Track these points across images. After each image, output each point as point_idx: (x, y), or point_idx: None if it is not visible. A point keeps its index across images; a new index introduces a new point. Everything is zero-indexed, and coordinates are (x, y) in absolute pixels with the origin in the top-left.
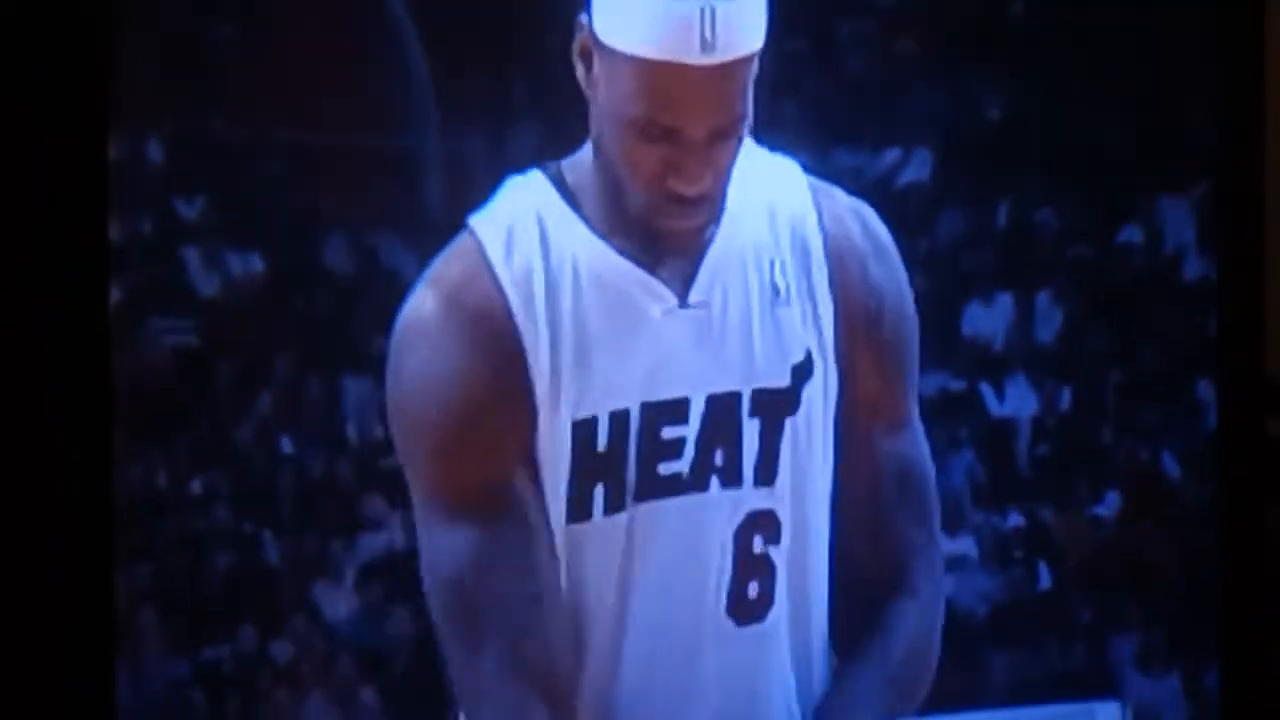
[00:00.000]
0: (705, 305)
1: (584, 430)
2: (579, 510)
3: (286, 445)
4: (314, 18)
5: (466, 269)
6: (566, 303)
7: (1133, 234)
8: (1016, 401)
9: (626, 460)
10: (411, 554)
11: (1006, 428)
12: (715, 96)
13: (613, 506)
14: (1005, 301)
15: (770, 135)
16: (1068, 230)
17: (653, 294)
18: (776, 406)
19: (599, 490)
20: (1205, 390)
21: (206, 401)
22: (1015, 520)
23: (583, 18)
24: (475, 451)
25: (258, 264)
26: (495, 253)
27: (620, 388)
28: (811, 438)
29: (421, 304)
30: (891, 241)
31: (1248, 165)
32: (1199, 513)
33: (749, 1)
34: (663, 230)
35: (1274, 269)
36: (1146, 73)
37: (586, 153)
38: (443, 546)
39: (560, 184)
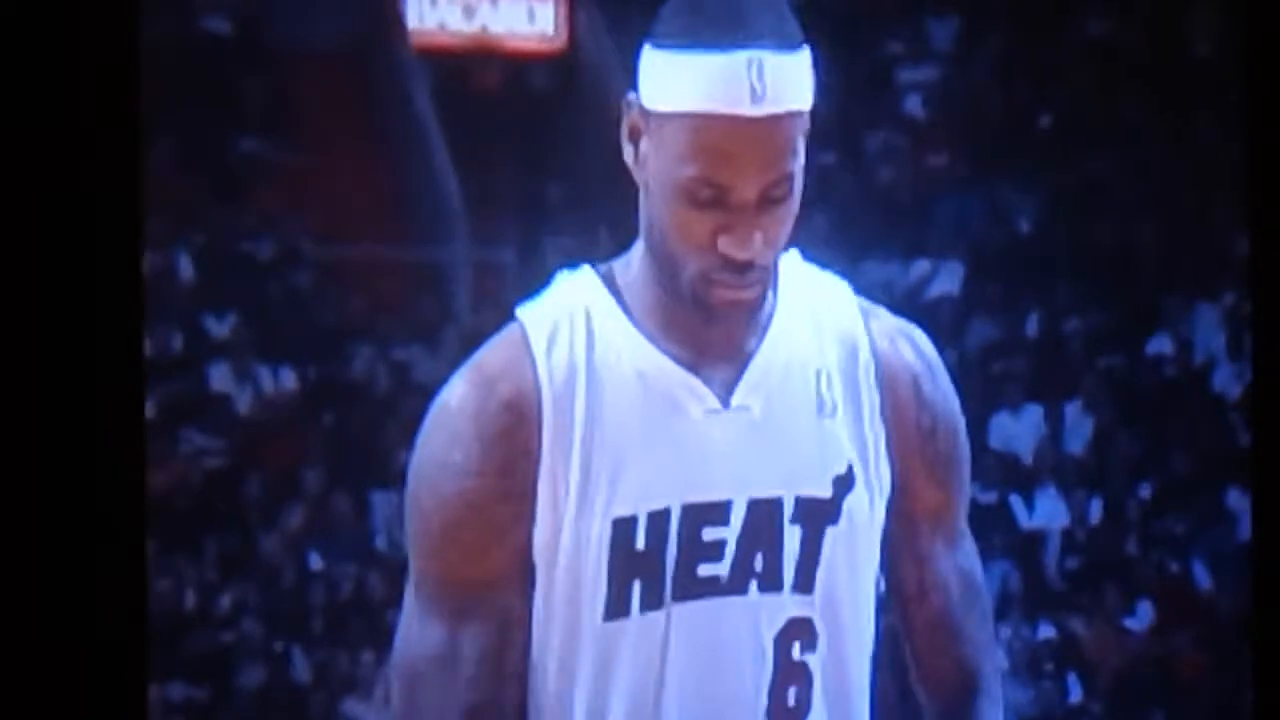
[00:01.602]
0: (747, 409)
1: (623, 528)
2: (616, 607)
3: (315, 560)
4: (343, 132)
5: (508, 359)
6: (608, 399)
7: (1163, 343)
8: (1046, 513)
9: (665, 560)
10: None
11: (1036, 539)
12: (765, 152)
13: (649, 605)
14: (1035, 412)
15: (801, 247)
16: (1097, 339)
17: (695, 395)
18: (818, 515)
19: (636, 588)
20: (1235, 499)
21: (236, 516)
22: (1046, 632)
23: (630, 96)
24: (463, 550)
25: (289, 379)
26: (539, 345)
27: (660, 487)
28: (853, 549)
29: (455, 386)
30: (940, 360)
31: None
32: (1230, 623)
33: (796, 57)
34: (714, 303)
35: None
36: (1174, 183)
37: (635, 252)
38: (413, 633)
39: (610, 282)
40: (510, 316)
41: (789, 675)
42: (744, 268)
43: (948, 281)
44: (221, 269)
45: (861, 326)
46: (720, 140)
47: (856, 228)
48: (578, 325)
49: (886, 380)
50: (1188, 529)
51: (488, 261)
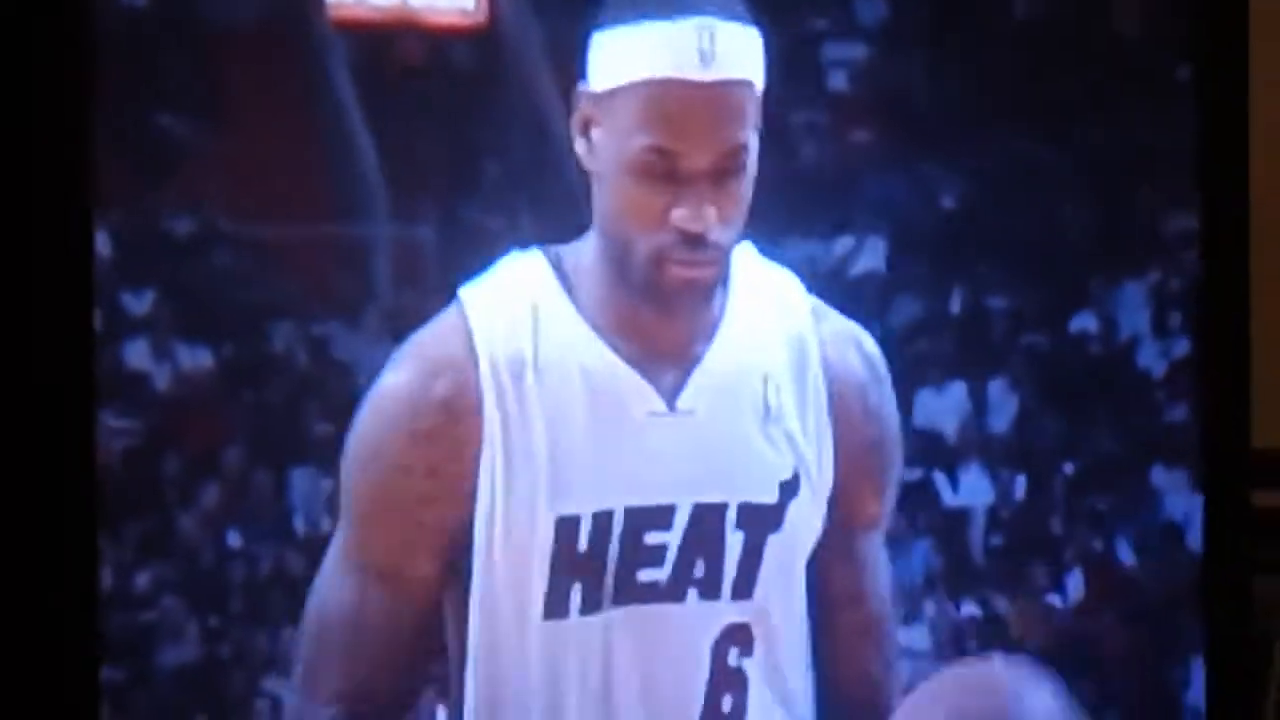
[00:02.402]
0: (692, 413)
1: (567, 527)
2: (556, 607)
3: (234, 538)
4: (262, 108)
5: (449, 349)
6: (552, 395)
7: (1087, 321)
8: (970, 491)
9: (606, 562)
10: None
11: (960, 517)
12: (716, 116)
13: (589, 607)
14: (959, 390)
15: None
16: (1021, 317)
17: (640, 395)
18: (761, 522)
19: (576, 589)
20: (1159, 477)
21: (154, 494)
22: (970, 610)
23: (580, 87)
24: (385, 534)
25: (206, 357)
26: (481, 335)
27: (604, 488)
28: (792, 554)
29: (395, 372)
30: (885, 366)
31: (1231, 238)
32: (1154, 600)
33: (746, 30)
34: (668, 285)
35: (1258, 344)
36: (1100, 161)
37: (587, 243)
38: (328, 582)
39: (559, 269)
40: (448, 297)
41: (725, 682)
42: (697, 242)
43: (871, 258)
44: (140, 246)
45: (812, 330)
46: (670, 105)
47: (779, 204)
48: (523, 315)
49: (835, 389)
50: (1112, 507)
51: (409, 238)
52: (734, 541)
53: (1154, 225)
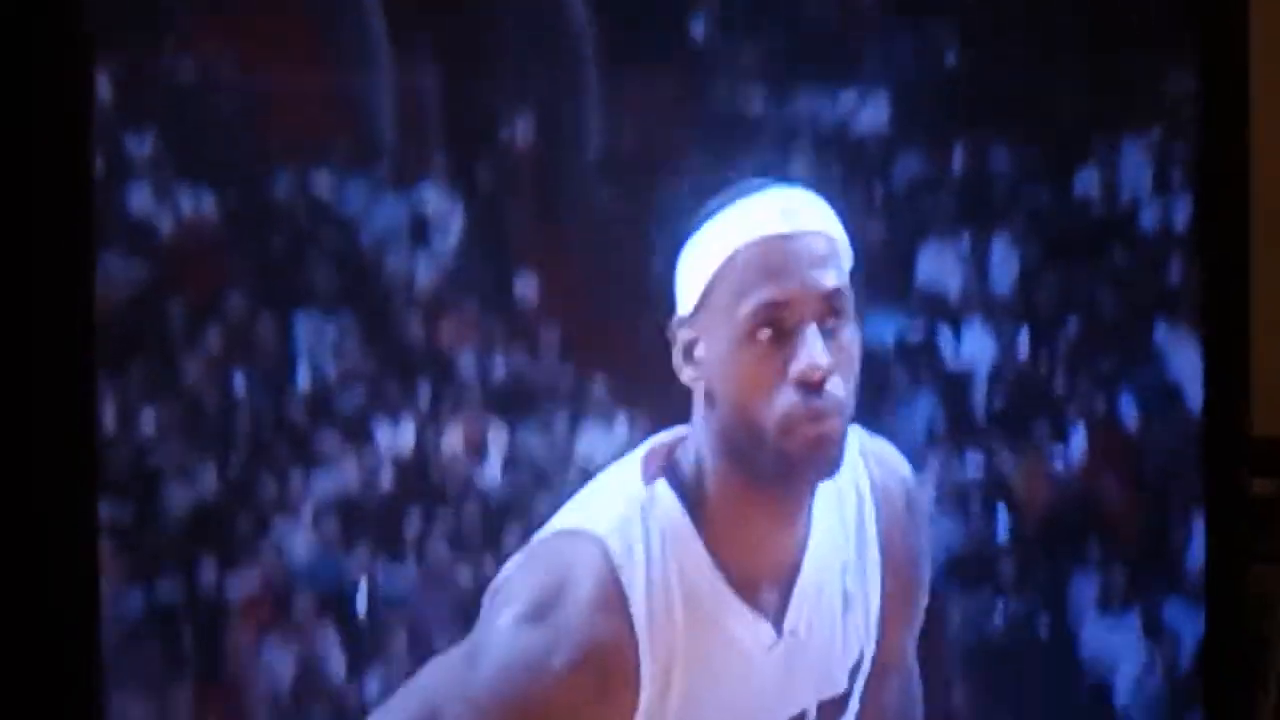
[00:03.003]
0: (795, 634)
1: None
2: None
3: (239, 383)
4: None
5: (597, 589)
6: (682, 635)
7: (1090, 179)
8: (973, 349)
9: None
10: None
11: (963, 376)
12: (813, 261)
13: None
14: (961, 248)
15: (729, 79)
16: (1024, 174)
17: (754, 632)
18: (834, 712)
19: None
20: (1163, 335)
21: (158, 338)
22: (974, 468)
23: (673, 319)
24: None
25: (209, 204)
26: (628, 570)
27: None
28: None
29: (538, 604)
30: (919, 491)
31: (1231, 103)
32: (1156, 460)
33: (819, 202)
34: (799, 451)
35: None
36: (1102, 17)
37: (702, 457)
38: None
39: (682, 492)
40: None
41: None
42: (818, 395)
43: (874, 115)
44: (141, 89)
45: (867, 483)
46: (769, 258)
47: (783, 59)
48: (654, 544)
49: (886, 540)
50: (1115, 366)
51: (411, 89)
52: None
53: (1158, 82)
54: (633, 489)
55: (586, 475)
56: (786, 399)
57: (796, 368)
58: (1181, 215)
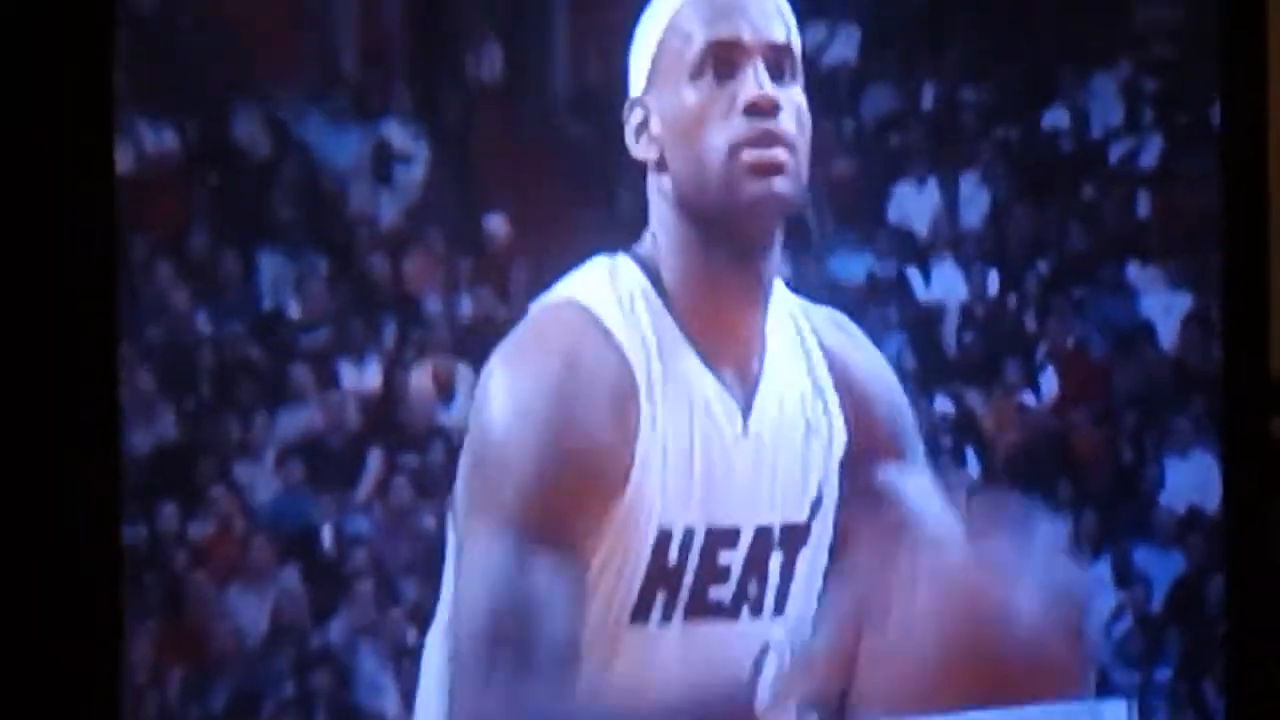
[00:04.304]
0: (760, 438)
1: (662, 539)
2: (639, 613)
3: (202, 320)
4: None
5: (598, 342)
6: (671, 405)
7: (1059, 115)
8: (943, 286)
9: (684, 577)
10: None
11: (934, 313)
12: (762, 11)
13: (665, 618)
14: (931, 184)
15: None
16: (993, 111)
17: (730, 417)
18: (795, 541)
19: (659, 600)
20: (1134, 273)
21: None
22: (944, 406)
23: (625, 106)
24: (569, 498)
25: (170, 138)
26: (614, 321)
27: (693, 505)
28: (815, 566)
29: (545, 359)
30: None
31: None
32: (1128, 398)
33: None
34: (746, 193)
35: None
36: None
37: (658, 241)
38: (500, 570)
39: (646, 268)
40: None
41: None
42: (768, 117)
43: (845, 48)
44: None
45: (809, 329)
46: (709, 3)
47: None
48: (640, 310)
49: (838, 376)
50: (1086, 303)
51: (375, 19)
52: (775, 561)
53: (1125, 18)
54: (598, 267)
55: None
56: (735, 128)
57: (745, 96)
58: (1153, 149)
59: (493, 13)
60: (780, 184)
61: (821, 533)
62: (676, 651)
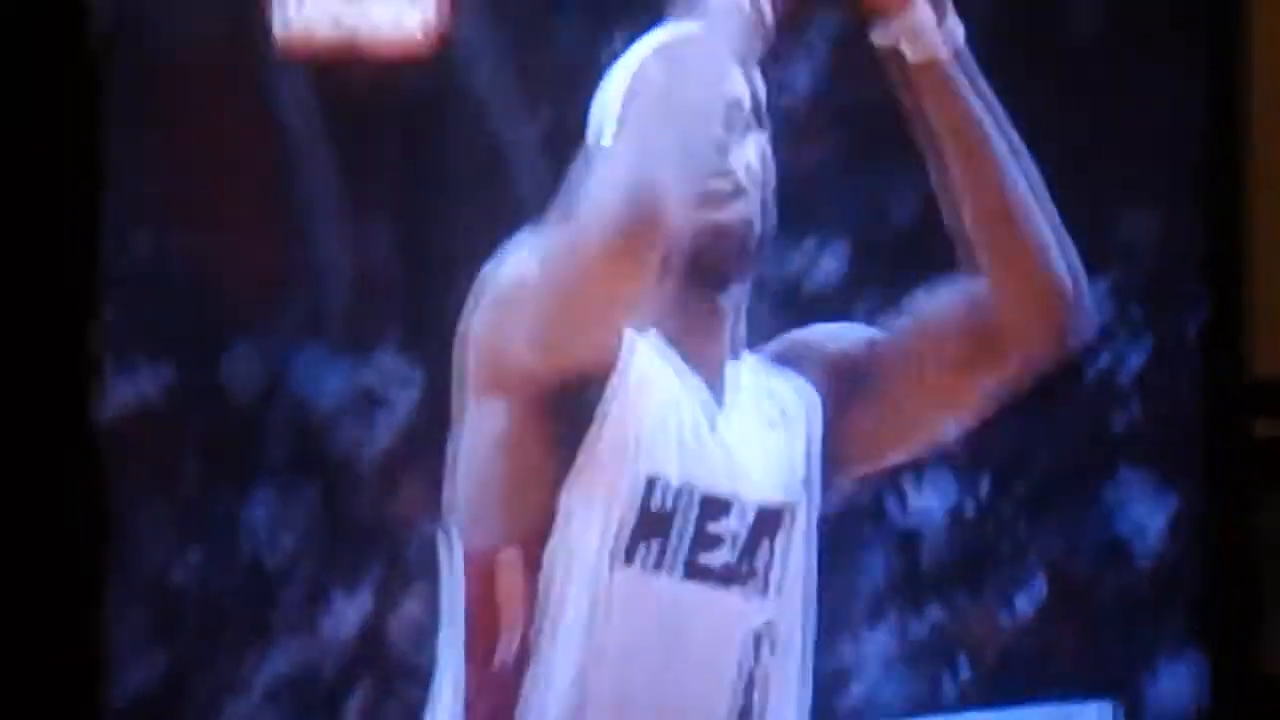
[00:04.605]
0: (729, 430)
1: (651, 486)
2: (627, 552)
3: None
4: (213, 120)
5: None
6: (657, 360)
7: None
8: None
9: (671, 533)
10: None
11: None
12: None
13: (655, 565)
14: None
15: None
16: None
17: (704, 409)
18: (775, 523)
19: (652, 545)
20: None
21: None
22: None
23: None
24: (582, 329)
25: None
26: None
27: (686, 465)
28: (808, 551)
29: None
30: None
31: (1229, 162)
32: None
33: None
34: (707, 225)
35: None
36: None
37: None
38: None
39: None
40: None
41: (746, 680)
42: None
43: (835, 261)
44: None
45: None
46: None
47: None
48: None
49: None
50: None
51: (366, 258)
52: (765, 541)
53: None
54: None
55: None
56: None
57: None
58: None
59: (472, 255)
60: (734, 210)
61: (800, 514)
62: (669, 607)
